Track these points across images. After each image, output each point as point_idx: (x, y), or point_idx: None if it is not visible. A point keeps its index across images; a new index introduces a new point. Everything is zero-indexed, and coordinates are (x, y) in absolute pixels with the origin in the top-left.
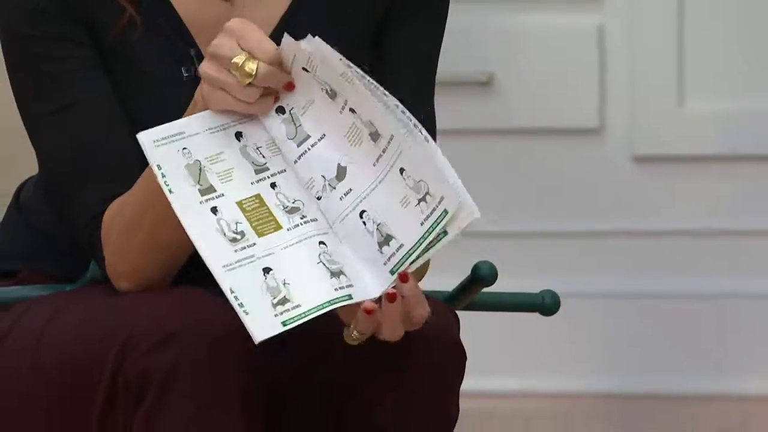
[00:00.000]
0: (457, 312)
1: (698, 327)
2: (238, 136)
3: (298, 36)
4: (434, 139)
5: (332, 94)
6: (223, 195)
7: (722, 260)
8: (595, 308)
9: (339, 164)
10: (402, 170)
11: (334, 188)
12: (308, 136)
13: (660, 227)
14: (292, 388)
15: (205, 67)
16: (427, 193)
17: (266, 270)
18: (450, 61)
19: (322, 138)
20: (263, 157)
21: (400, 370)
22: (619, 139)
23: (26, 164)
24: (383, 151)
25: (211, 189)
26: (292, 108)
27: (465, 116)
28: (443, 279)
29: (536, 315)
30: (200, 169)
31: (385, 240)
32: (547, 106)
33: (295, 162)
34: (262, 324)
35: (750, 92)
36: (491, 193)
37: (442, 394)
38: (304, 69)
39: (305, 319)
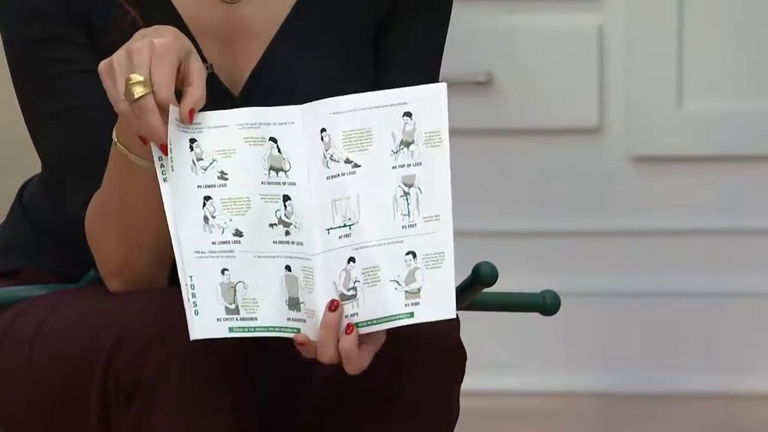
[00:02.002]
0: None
1: (696, 325)
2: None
3: (304, 35)
4: None
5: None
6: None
7: (720, 259)
8: (594, 307)
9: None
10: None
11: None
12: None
13: (658, 227)
14: (291, 388)
15: (116, 57)
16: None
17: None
18: (449, 60)
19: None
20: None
21: (401, 369)
22: (618, 139)
23: (29, 162)
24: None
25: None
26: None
27: (463, 116)
28: None
29: (536, 314)
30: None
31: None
32: (546, 106)
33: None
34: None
35: (748, 93)
36: (489, 193)
37: (442, 394)
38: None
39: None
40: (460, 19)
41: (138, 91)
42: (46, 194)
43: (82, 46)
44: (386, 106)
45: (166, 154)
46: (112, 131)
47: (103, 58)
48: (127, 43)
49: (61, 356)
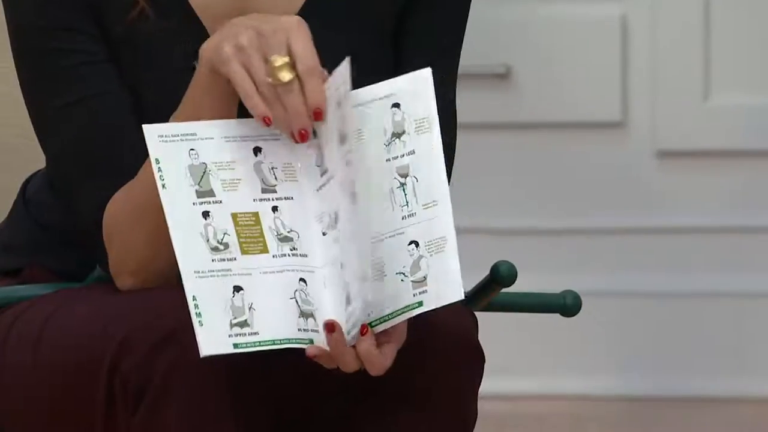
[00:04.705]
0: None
1: (723, 326)
2: (257, 151)
3: (315, 29)
4: (455, 133)
5: (342, 139)
6: (220, 202)
7: (746, 257)
8: (616, 307)
9: (337, 210)
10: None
11: (335, 229)
12: (327, 169)
13: (684, 224)
14: (305, 389)
15: (245, 38)
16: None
17: (237, 288)
18: (465, 52)
19: (333, 176)
20: (275, 178)
21: (417, 372)
22: (642, 134)
23: (29, 158)
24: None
25: (209, 193)
26: (322, 136)
27: (481, 110)
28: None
29: (556, 315)
30: (204, 172)
31: (347, 299)
32: (567, 100)
33: (318, 190)
34: (214, 339)
35: None
36: (507, 190)
37: (460, 397)
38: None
39: (257, 349)
40: (476, 9)
41: (285, 75)
42: (50, 191)
43: (92, 35)
44: (374, 100)
45: (305, 140)
46: (126, 123)
47: (114, 48)
48: (245, 24)
49: (65, 355)
